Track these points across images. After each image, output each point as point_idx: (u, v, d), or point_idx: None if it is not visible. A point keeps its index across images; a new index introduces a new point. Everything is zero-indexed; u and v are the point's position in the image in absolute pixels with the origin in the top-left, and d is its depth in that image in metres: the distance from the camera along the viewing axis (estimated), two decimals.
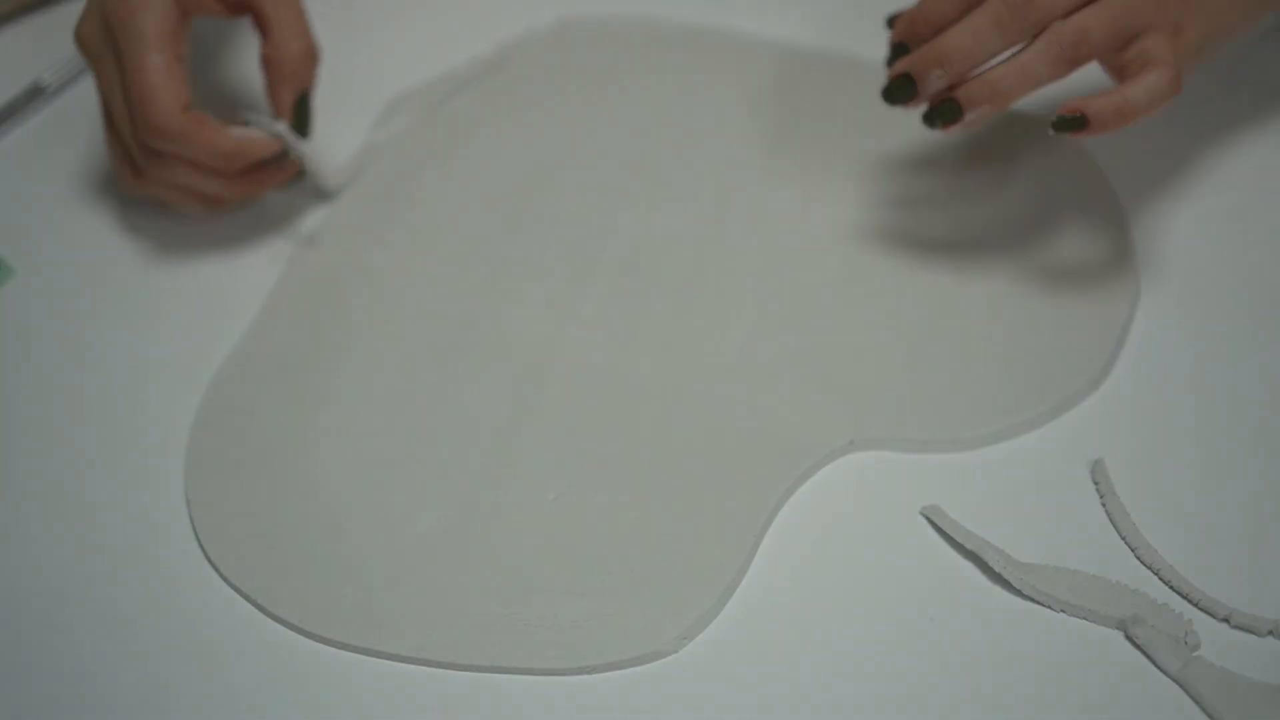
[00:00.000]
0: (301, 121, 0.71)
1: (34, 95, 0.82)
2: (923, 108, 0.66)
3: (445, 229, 0.75)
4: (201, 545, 0.64)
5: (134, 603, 0.63)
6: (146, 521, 0.65)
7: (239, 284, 0.73)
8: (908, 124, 0.75)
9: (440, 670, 0.60)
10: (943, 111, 0.65)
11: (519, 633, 0.60)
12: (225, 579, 0.63)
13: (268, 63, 0.70)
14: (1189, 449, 0.64)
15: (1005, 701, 0.58)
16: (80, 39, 0.69)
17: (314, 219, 0.75)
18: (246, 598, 0.62)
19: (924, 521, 0.63)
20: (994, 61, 0.65)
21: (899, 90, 0.66)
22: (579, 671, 0.60)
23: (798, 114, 0.78)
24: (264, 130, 0.71)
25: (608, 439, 0.66)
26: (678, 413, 0.66)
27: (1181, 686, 0.57)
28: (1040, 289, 0.69)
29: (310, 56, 0.71)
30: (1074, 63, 0.64)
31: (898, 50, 0.68)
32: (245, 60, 0.82)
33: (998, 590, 0.61)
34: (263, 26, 0.70)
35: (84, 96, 0.82)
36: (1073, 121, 0.63)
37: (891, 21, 0.69)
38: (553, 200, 0.75)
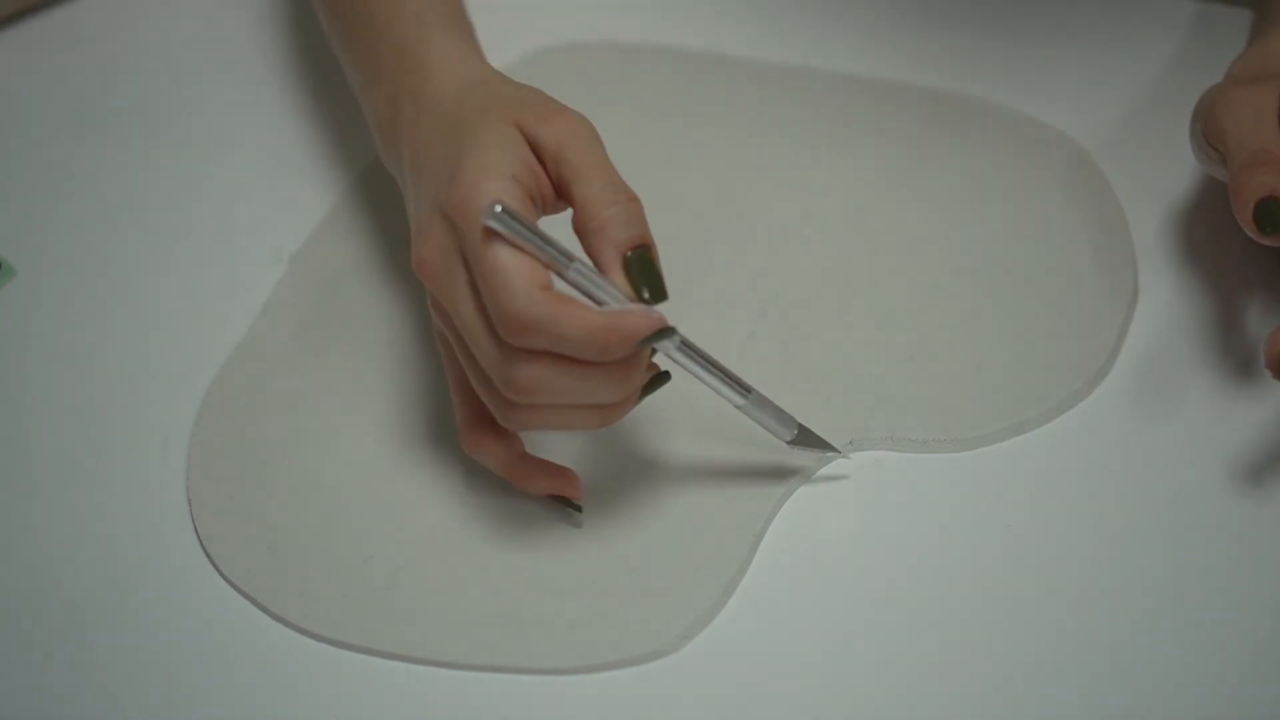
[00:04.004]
0: (652, 284, 0.57)
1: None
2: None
3: None
4: (202, 545, 0.64)
5: (135, 602, 0.63)
6: (147, 521, 0.65)
7: (239, 284, 0.73)
8: (902, 132, 0.75)
9: (440, 670, 0.60)
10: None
11: (519, 633, 0.60)
12: (226, 578, 0.63)
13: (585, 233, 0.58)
14: (1189, 449, 0.64)
15: (1005, 701, 0.58)
16: (422, 264, 0.58)
17: (304, 230, 0.75)
18: (247, 597, 0.62)
19: (924, 521, 0.63)
20: None
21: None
22: (579, 671, 0.60)
23: (794, 125, 0.78)
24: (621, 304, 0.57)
25: (608, 438, 0.66)
26: (678, 412, 0.66)
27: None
28: (1040, 289, 0.69)
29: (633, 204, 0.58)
30: None
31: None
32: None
33: (997, 590, 0.61)
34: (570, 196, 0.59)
35: (85, 95, 0.82)
36: None
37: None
38: None
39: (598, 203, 0.57)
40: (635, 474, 0.65)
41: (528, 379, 0.56)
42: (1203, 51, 0.78)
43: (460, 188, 0.57)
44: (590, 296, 0.57)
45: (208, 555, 0.64)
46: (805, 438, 0.63)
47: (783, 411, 0.62)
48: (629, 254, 0.57)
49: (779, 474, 0.64)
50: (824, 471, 0.65)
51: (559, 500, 0.62)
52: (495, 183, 0.57)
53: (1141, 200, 0.73)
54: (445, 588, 0.62)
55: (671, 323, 0.57)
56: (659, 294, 0.57)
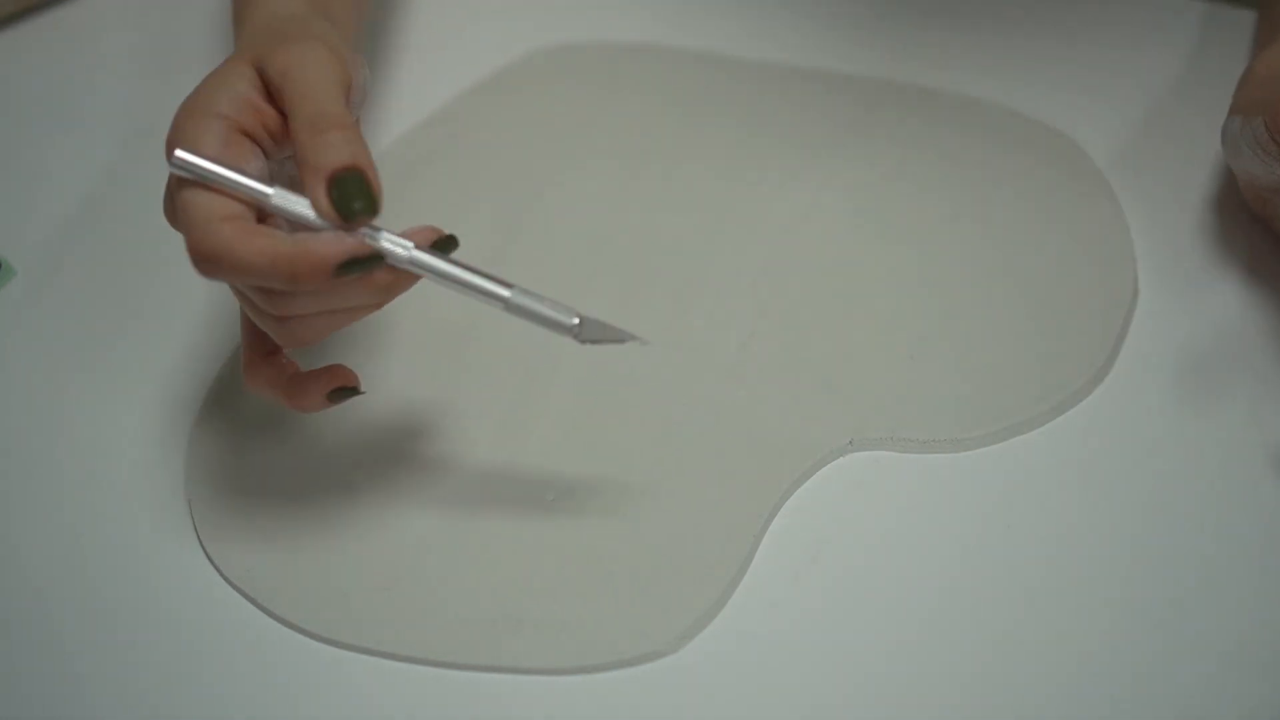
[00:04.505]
0: (357, 200, 0.55)
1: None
2: None
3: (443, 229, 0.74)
4: (202, 544, 0.64)
5: (134, 602, 0.63)
6: (147, 521, 0.65)
7: None
8: (902, 132, 0.75)
9: (440, 670, 0.60)
10: None
11: (519, 632, 0.60)
12: (225, 578, 0.63)
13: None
14: (1189, 449, 0.64)
15: (1005, 701, 0.58)
16: (165, 212, 0.59)
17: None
18: (246, 597, 0.62)
19: (924, 521, 0.63)
20: None
21: None
22: (579, 671, 0.60)
23: (793, 126, 0.78)
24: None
25: (608, 438, 0.66)
26: (678, 412, 0.66)
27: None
28: (1040, 289, 0.69)
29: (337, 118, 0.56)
30: None
31: None
32: None
33: (997, 590, 0.61)
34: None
35: (84, 95, 0.82)
36: None
37: None
38: (552, 204, 0.75)
39: (304, 131, 0.55)
40: (635, 474, 0.65)
41: (283, 297, 0.55)
42: (1203, 51, 0.78)
43: (171, 129, 0.56)
44: (304, 225, 0.55)
45: (207, 555, 0.64)
46: (592, 329, 0.58)
47: (558, 302, 0.57)
48: (331, 180, 0.54)
49: (779, 474, 0.64)
50: (824, 471, 0.65)
51: (340, 395, 0.60)
52: (197, 121, 0.56)
53: (1141, 200, 0.73)
54: (445, 588, 0.62)
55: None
56: (369, 208, 0.55)
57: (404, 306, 0.71)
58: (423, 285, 0.71)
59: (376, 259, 0.55)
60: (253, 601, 0.62)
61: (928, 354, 0.68)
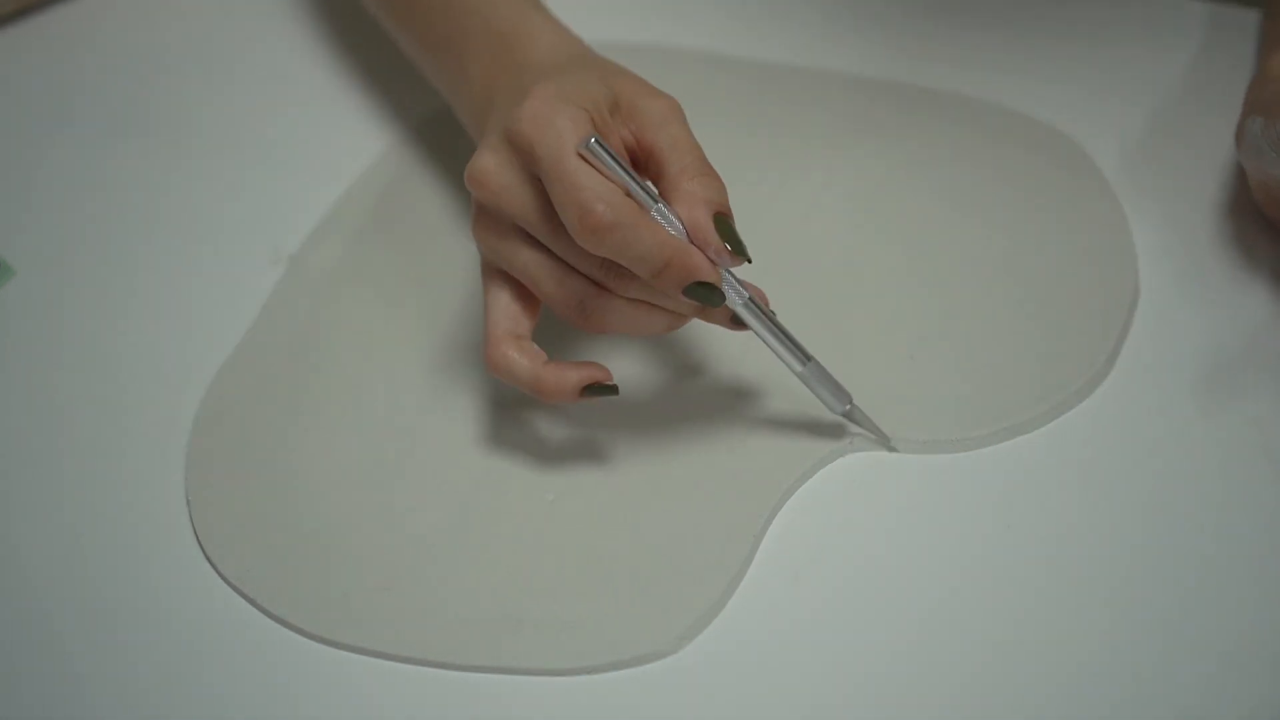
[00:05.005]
0: (735, 244, 0.60)
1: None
2: None
3: (443, 231, 0.75)
4: (201, 545, 0.64)
5: (134, 602, 0.63)
6: (146, 521, 0.65)
7: (238, 284, 0.73)
8: (903, 132, 0.75)
9: (440, 670, 0.60)
10: None
11: (519, 633, 0.60)
12: (225, 578, 0.63)
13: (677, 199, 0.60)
14: (1189, 449, 0.64)
15: (1005, 701, 0.58)
16: (484, 175, 0.61)
17: (304, 230, 0.75)
18: (246, 597, 0.62)
19: (924, 521, 0.63)
20: None
21: None
22: (579, 671, 0.60)
23: (793, 126, 0.78)
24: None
25: (608, 438, 0.66)
26: (678, 412, 0.66)
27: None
28: (1040, 289, 0.69)
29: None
30: None
31: None
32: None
33: (997, 591, 0.61)
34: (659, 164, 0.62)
35: (84, 95, 0.82)
36: None
37: None
38: None
39: (692, 169, 0.61)
40: (634, 475, 0.65)
41: (623, 269, 0.59)
42: (1206, 52, 0.78)
43: (532, 103, 0.59)
44: None
45: (206, 555, 0.64)
46: (858, 416, 0.64)
47: (839, 385, 0.64)
48: (716, 215, 0.60)
49: (779, 474, 0.64)
50: (824, 472, 0.65)
51: (596, 391, 0.62)
52: (568, 107, 0.59)
53: (1143, 200, 0.73)
54: (444, 588, 0.62)
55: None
56: (741, 253, 0.60)
57: (404, 306, 0.71)
58: (424, 288, 0.71)
59: (720, 295, 0.60)
60: (251, 602, 0.62)
61: (928, 354, 0.68)
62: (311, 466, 0.66)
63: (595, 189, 0.58)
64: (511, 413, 0.67)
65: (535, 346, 0.63)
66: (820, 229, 0.73)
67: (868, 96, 0.79)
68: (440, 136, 0.79)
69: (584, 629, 0.60)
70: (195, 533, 0.64)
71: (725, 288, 0.60)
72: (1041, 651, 0.59)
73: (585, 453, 0.66)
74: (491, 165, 0.61)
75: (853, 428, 0.65)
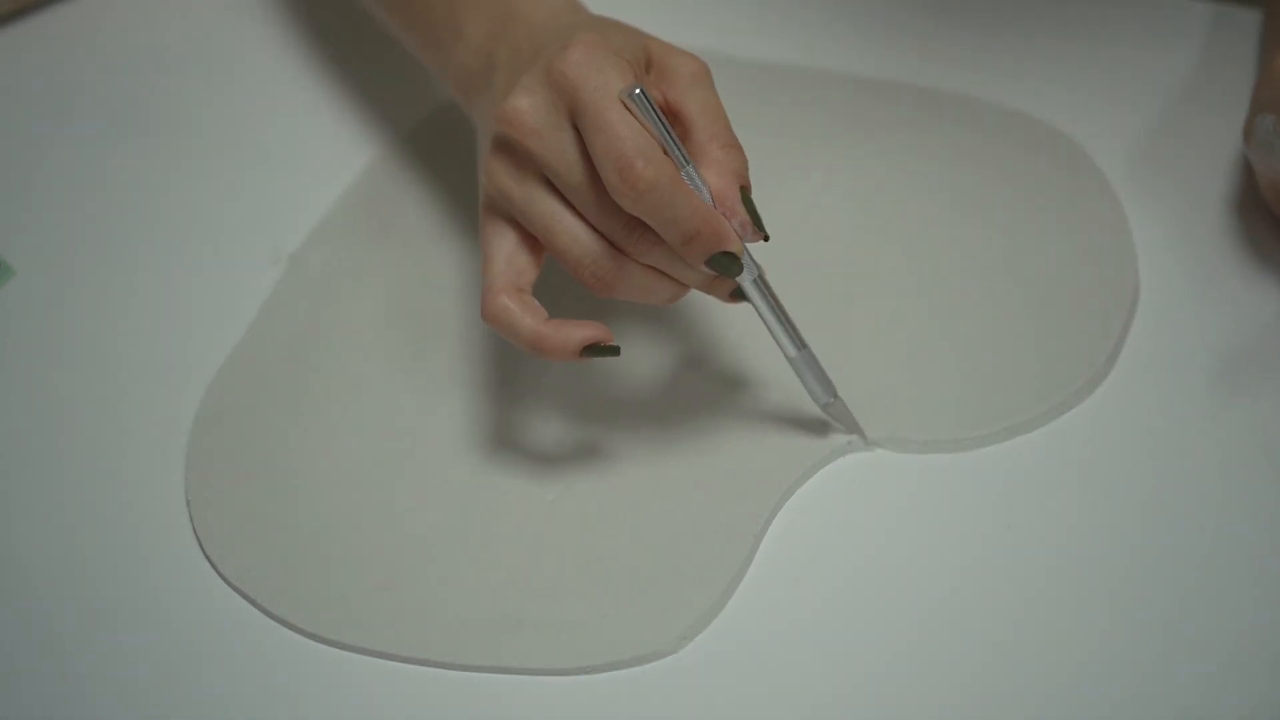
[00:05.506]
0: (757, 220, 0.61)
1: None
2: None
3: (444, 230, 0.75)
4: (201, 545, 0.64)
5: (133, 602, 0.63)
6: (146, 521, 0.65)
7: (239, 284, 0.73)
8: (903, 132, 0.75)
9: (440, 670, 0.60)
10: None
11: (519, 633, 0.60)
12: (224, 578, 0.63)
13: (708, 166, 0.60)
14: (1189, 449, 0.64)
15: (1006, 701, 0.58)
16: (518, 115, 0.59)
17: (304, 230, 0.75)
18: (246, 597, 0.62)
19: (924, 521, 0.63)
20: None
21: None
22: (579, 671, 0.60)
23: (793, 125, 0.78)
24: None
25: (608, 438, 0.66)
26: (678, 412, 0.66)
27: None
28: (1040, 289, 0.69)
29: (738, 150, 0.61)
30: None
31: None
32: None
33: (997, 591, 0.61)
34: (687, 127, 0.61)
35: (84, 95, 0.82)
36: None
37: None
38: None
39: (722, 137, 0.60)
40: (634, 475, 0.65)
41: (649, 230, 0.58)
42: (1207, 52, 0.78)
43: (580, 49, 0.58)
44: None
45: (206, 555, 0.64)
46: (838, 410, 0.64)
47: (827, 378, 0.63)
48: (741, 188, 0.60)
49: (779, 474, 0.64)
50: (824, 472, 0.65)
51: (596, 351, 0.61)
52: (614, 56, 0.58)
53: (1143, 200, 0.72)
54: (444, 588, 0.62)
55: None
56: (761, 229, 0.60)
57: (403, 306, 0.71)
58: (424, 288, 0.71)
59: (739, 267, 0.60)
60: (252, 602, 0.62)
61: (928, 354, 0.68)
62: (311, 466, 0.66)
63: (637, 143, 0.57)
64: (512, 413, 0.67)
65: (536, 302, 0.61)
66: (820, 229, 0.73)
67: (868, 96, 0.79)
68: (440, 137, 0.79)
69: (584, 629, 0.60)
70: (195, 532, 0.64)
71: (745, 263, 0.60)
72: (1042, 652, 0.59)
73: (585, 453, 0.65)
74: (527, 105, 0.59)
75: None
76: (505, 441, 0.66)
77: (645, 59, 0.61)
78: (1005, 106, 0.77)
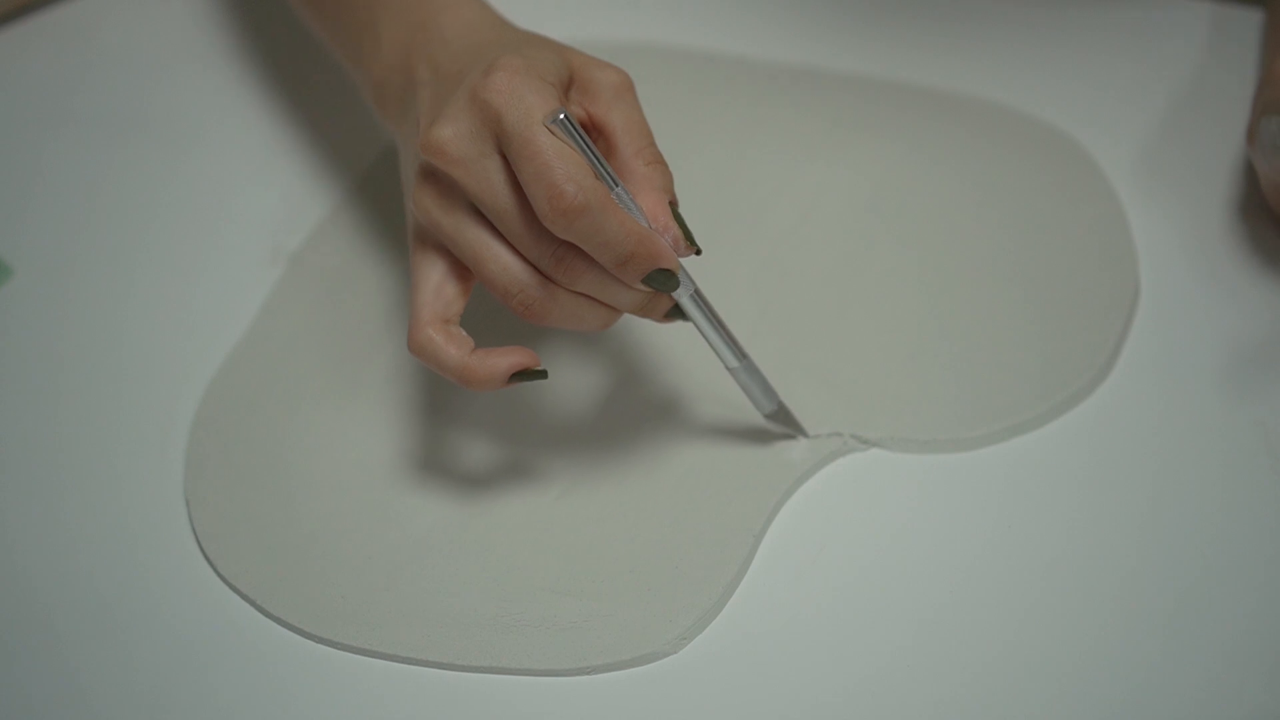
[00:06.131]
0: (688, 235, 0.60)
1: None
2: None
3: None
4: (200, 545, 0.64)
5: (132, 602, 0.63)
6: (145, 520, 0.65)
7: (238, 284, 0.73)
8: (903, 132, 0.75)
9: (440, 670, 0.60)
10: None
11: (519, 633, 0.60)
12: (224, 579, 0.63)
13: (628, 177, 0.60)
14: (1190, 449, 0.64)
15: (1006, 701, 0.58)
16: (443, 146, 0.58)
17: (304, 230, 0.75)
18: (245, 597, 0.62)
19: (924, 521, 0.63)
20: None
21: None
22: (579, 672, 0.60)
23: (794, 125, 0.78)
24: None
25: (608, 438, 0.66)
26: (678, 412, 0.66)
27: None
28: (1040, 288, 0.69)
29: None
30: None
31: None
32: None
33: (997, 591, 0.61)
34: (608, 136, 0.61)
35: (84, 95, 0.82)
36: None
37: None
38: None
39: (647, 154, 0.60)
40: (635, 475, 0.65)
41: (578, 258, 0.58)
42: (1208, 52, 0.78)
43: (502, 74, 0.58)
44: None
45: (205, 555, 0.64)
46: (782, 415, 0.64)
47: (769, 385, 0.63)
48: (670, 203, 0.60)
49: (779, 474, 0.64)
50: (824, 472, 0.65)
51: (524, 377, 0.60)
52: (536, 80, 0.58)
53: (1144, 200, 0.72)
54: (444, 589, 0.62)
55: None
56: (693, 243, 0.60)
57: (403, 306, 0.71)
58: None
59: (676, 282, 0.59)
60: (250, 602, 0.62)
61: (928, 353, 0.67)
62: (310, 466, 0.66)
63: (566, 169, 0.56)
64: (512, 413, 0.67)
65: (463, 333, 0.60)
66: (820, 228, 0.73)
67: (868, 96, 0.78)
68: None
69: (583, 629, 0.60)
70: (194, 532, 0.64)
71: (680, 279, 0.59)
72: (1042, 652, 0.59)
73: (585, 453, 0.65)
74: (451, 134, 0.58)
75: (846, 427, 0.65)
76: (505, 442, 0.66)
77: (568, 75, 0.60)
78: (1006, 106, 0.77)
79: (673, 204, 0.60)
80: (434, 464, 0.66)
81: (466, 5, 0.65)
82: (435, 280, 0.61)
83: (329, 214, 0.76)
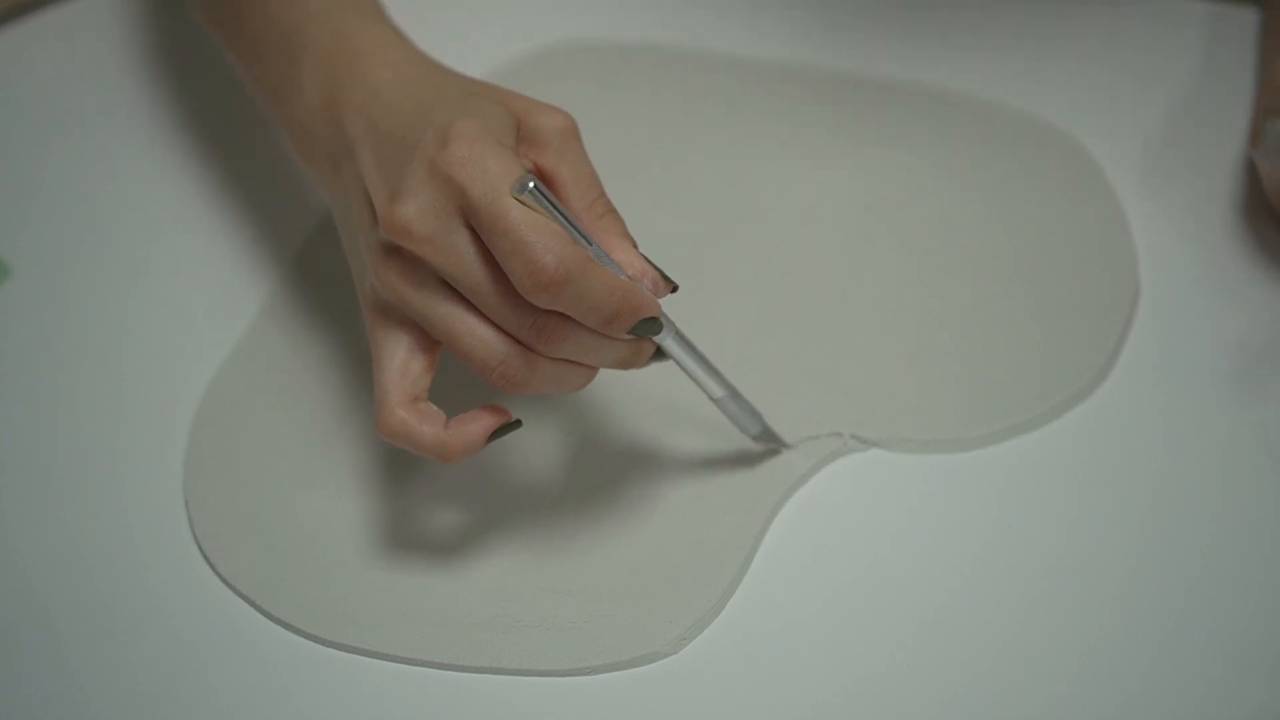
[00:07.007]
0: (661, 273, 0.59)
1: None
2: None
3: None
4: (200, 545, 0.64)
5: (132, 602, 0.63)
6: (144, 521, 0.65)
7: (239, 284, 0.73)
8: (903, 131, 0.75)
9: (440, 670, 0.60)
10: None
11: (519, 633, 0.60)
12: (223, 579, 0.63)
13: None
14: (1190, 449, 0.64)
15: (1005, 702, 0.58)
16: (409, 225, 0.56)
17: (304, 230, 0.75)
18: (244, 597, 0.62)
19: (924, 522, 0.63)
20: None
21: None
22: (579, 672, 0.60)
23: (794, 125, 0.78)
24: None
25: (607, 438, 0.66)
26: (678, 413, 0.66)
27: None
28: (1040, 289, 0.69)
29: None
30: None
31: None
32: None
33: (997, 591, 0.61)
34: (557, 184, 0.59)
35: (84, 95, 0.82)
36: None
37: None
38: None
39: (599, 204, 0.59)
40: (634, 476, 0.65)
41: (559, 326, 0.56)
42: (1209, 52, 0.78)
43: (461, 144, 0.56)
44: None
45: (205, 555, 0.64)
46: (767, 434, 0.64)
47: (753, 408, 0.63)
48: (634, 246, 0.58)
49: (779, 474, 0.64)
50: (824, 472, 0.65)
51: (500, 433, 0.59)
52: (495, 146, 0.56)
53: (1144, 200, 0.72)
54: (443, 589, 0.62)
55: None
56: (671, 282, 0.58)
57: None
58: None
59: (660, 326, 0.58)
60: (250, 602, 0.62)
61: (928, 354, 0.67)
62: (310, 466, 0.66)
63: (543, 241, 0.54)
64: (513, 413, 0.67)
65: (433, 408, 0.59)
66: (820, 228, 0.73)
67: (869, 96, 0.78)
68: None
69: (583, 629, 0.60)
70: (193, 532, 0.64)
71: (662, 322, 0.58)
72: (1042, 652, 0.59)
73: (585, 454, 0.65)
74: (415, 212, 0.56)
75: (846, 427, 0.65)
76: (506, 442, 0.66)
77: (515, 127, 0.58)
78: (1006, 106, 0.77)
79: (634, 246, 0.58)
80: (434, 464, 0.66)
81: (391, 44, 0.63)
82: (400, 358, 0.59)
83: (329, 215, 0.76)
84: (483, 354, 0.57)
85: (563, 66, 0.81)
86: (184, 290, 0.73)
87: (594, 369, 0.59)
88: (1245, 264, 0.70)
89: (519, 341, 0.57)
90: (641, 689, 0.59)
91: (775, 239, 0.73)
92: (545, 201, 0.55)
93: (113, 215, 0.77)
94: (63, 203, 0.77)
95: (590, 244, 0.56)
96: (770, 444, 0.64)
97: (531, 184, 0.55)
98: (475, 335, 0.57)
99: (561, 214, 0.56)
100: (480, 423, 0.58)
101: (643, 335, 0.57)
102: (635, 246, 0.58)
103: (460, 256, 0.56)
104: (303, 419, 0.68)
